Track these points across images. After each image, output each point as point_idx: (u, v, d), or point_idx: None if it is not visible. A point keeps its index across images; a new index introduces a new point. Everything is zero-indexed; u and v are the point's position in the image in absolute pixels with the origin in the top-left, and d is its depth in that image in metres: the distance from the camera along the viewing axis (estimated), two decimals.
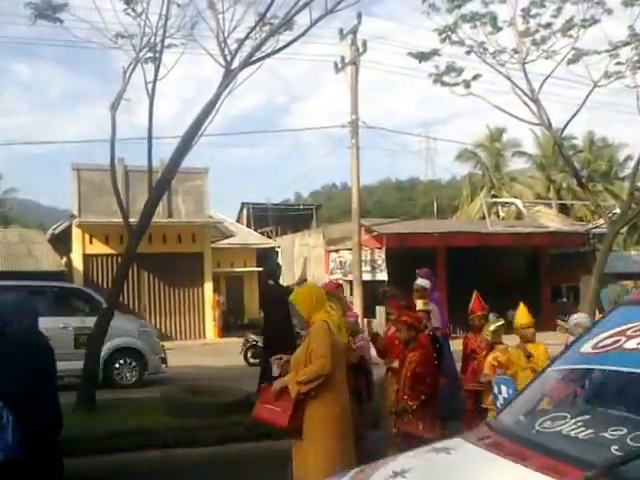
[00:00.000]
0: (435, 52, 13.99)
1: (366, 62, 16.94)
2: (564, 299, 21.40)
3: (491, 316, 6.28)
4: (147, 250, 17.45)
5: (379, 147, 61.89)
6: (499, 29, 14.06)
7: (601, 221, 15.66)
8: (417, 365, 4.80)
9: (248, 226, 27.39)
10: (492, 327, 5.82)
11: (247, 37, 11.93)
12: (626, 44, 14.13)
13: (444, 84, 14.48)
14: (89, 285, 17.66)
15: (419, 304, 6.23)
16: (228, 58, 11.88)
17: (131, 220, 12.91)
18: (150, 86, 11.84)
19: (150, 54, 11.80)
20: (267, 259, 19.99)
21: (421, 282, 7.45)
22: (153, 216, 12.40)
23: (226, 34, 11.89)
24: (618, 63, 14.35)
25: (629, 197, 15.48)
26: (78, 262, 18.19)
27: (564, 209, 27.34)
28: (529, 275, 21.37)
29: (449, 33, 13.82)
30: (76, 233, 18.12)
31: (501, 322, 5.88)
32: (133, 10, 10.27)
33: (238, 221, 28.12)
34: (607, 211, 18.38)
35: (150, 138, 12.91)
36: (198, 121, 11.62)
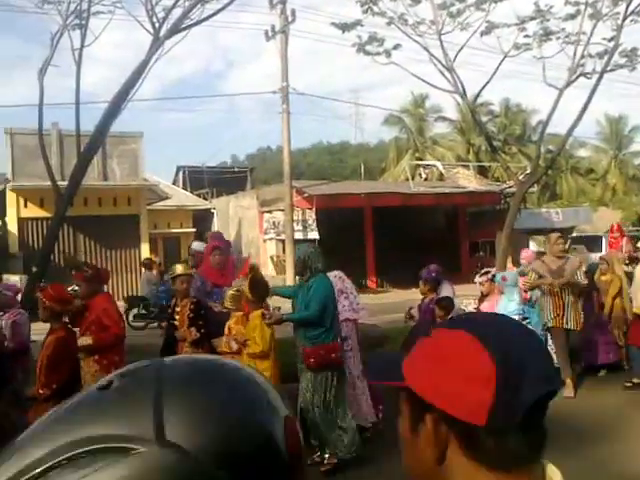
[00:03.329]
0: (358, 23, 14.76)
1: (297, 31, 17.56)
2: (481, 253, 23.06)
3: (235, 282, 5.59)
4: (83, 213, 17.79)
5: (312, 112, 62.99)
6: (418, 1, 14.92)
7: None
8: (52, 350, 4.49)
9: (184, 188, 27.68)
10: (230, 292, 5.36)
11: (175, 5, 12.40)
12: (532, 19, 15.41)
13: (367, 53, 15.33)
14: (24, 249, 17.89)
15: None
16: (156, 25, 12.34)
17: (63, 183, 13.29)
18: (77, 53, 12.20)
19: (77, 21, 12.13)
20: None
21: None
22: (82, 179, 12.86)
23: (154, 2, 12.33)
24: (526, 36, 15.63)
25: (536, 159, 16.98)
26: (13, 226, 18.28)
27: (483, 170, 28.99)
28: (449, 232, 22.89)
29: (371, 5, 14.63)
30: (10, 197, 18.15)
31: (235, 289, 5.34)
32: None
33: (174, 184, 28.34)
34: (520, 172, 19.91)
35: (78, 103, 13.27)
36: (127, 86, 12.10)
